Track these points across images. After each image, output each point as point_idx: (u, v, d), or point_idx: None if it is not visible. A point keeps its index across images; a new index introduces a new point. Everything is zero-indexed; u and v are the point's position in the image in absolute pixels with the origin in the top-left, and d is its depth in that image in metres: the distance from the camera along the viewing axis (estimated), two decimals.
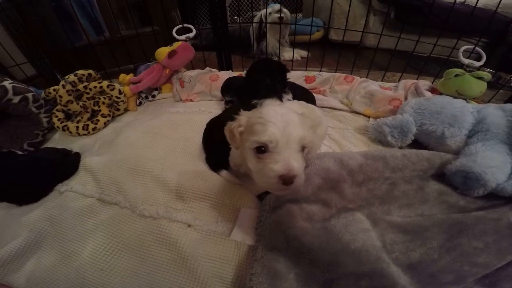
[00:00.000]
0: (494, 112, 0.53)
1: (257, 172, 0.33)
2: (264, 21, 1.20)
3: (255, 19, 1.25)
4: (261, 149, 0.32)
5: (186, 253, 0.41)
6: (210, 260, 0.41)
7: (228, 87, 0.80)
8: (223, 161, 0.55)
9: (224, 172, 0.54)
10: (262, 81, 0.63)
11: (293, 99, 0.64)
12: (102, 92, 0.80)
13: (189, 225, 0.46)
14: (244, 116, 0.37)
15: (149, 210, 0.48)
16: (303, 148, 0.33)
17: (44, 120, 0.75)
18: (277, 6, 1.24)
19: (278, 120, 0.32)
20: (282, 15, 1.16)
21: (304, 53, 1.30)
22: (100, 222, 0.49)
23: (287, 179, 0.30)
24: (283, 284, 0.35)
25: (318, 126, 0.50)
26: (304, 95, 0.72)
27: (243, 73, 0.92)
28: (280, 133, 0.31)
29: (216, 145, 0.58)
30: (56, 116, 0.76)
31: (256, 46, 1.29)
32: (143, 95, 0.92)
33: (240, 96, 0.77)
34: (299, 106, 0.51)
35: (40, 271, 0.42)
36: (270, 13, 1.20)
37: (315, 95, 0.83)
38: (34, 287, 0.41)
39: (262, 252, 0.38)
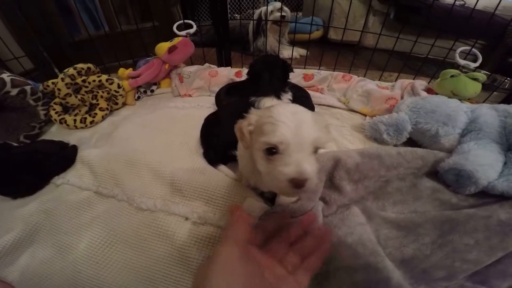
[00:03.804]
0: (487, 112, 0.54)
1: (266, 175, 0.31)
2: (263, 18, 1.20)
3: (255, 16, 1.25)
4: (272, 151, 0.30)
5: (183, 246, 0.41)
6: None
7: (216, 99, 0.79)
8: (221, 156, 0.56)
9: (222, 167, 0.54)
10: (262, 77, 0.63)
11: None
12: (100, 86, 0.80)
13: (187, 218, 0.46)
14: (254, 115, 0.35)
15: (146, 203, 0.48)
16: (316, 150, 0.31)
17: (42, 112, 0.74)
18: (278, 4, 1.24)
19: (289, 120, 0.30)
20: (284, 13, 1.16)
21: (303, 51, 1.30)
22: (96, 215, 0.48)
23: (298, 183, 0.28)
24: None
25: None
26: (299, 93, 0.72)
27: (242, 70, 0.93)
28: (292, 134, 0.29)
29: (213, 140, 0.59)
30: (54, 109, 0.75)
31: (254, 43, 1.29)
32: (142, 90, 0.92)
33: (230, 95, 0.77)
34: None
35: (35, 265, 0.42)
36: (271, 11, 1.20)
37: (312, 92, 0.83)
38: (28, 281, 0.40)
39: None
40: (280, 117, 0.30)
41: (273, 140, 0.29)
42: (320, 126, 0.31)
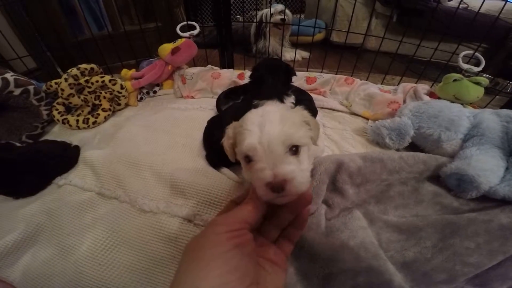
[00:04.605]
0: (490, 117, 0.54)
1: (251, 179, 0.31)
2: (264, 21, 1.21)
3: (256, 19, 1.26)
4: (249, 158, 0.30)
5: None
6: None
7: (217, 103, 0.79)
8: (223, 158, 0.56)
9: (224, 169, 0.54)
10: (265, 81, 0.63)
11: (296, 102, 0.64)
12: (103, 86, 0.80)
13: (189, 221, 0.46)
14: (230, 128, 0.36)
15: (149, 204, 0.48)
16: (296, 148, 0.29)
17: (44, 112, 0.75)
18: (279, 7, 1.25)
19: (255, 125, 0.29)
20: (285, 17, 1.17)
21: (305, 54, 1.31)
22: (99, 216, 0.48)
23: (275, 186, 0.26)
24: None
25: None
26: (302, 96, 0.73)
27: (245, 72, 0.93)
28: (258, 139, 0.28)
29: (216, 143, 0.59)
30: (57, 109, 0.76)
31: (255, 45, 1.29)
32: (144, 91, 0.92)
33: (230, 99, 0.77)
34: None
35: (36, 265, 0.42)
36: (272, 14, 1.21)
37: (315, 95, 0.84)
38: (30, 281, 0.40)
39: None
40: (247, 125, 0.30)
41: (243, 149, 0.29)
42: (291, 122, 0.30)
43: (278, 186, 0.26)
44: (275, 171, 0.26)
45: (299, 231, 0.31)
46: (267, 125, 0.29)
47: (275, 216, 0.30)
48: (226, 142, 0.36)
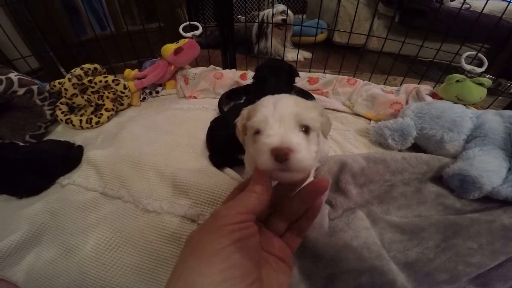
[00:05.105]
0: (493, 118, 0.54)
1: (255, 153, 0.30)
2: (266, 21, 1.21)
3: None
4: (258, 131, 0.30)
5: None
6: None
7: (219, 104, 0.79)
8: (227, 159, 0.56)
9: (228, 170, 0.55)
10: (267, 81, 0.64)
11: None
12: (106, 86, 0.81)
13: (193, 221, 0.46)
14: (246, 110, 0.37)
15: (152, 204, 0.49)
16: (306, 129, 0.30)
17: (48, 112, 0.75)
18: (280, 7, 1.25)
19: (270, 103, 0.31)
20: (286, 17, 1.17)
21: (307, 54, 1.30)
22: (102, 216, 0.48)
23: (279, 153, 0.25)
24: None
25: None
26: (305, 97, 0.73)
27: (247, 72, 0.93)
28: (270, 112, 0.29)
29: (219, 143, 0.59)
30: (60, 109, 0.76)
31: (257, 46, 1.30)
32: (147, 91, 0.92)
33: (232, 99, 0.77)
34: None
35: (40, 265, 0.42)
36: (274, 14, 1.21)
37: (317, 96, 0.84)
38: (34, 281, 0.41)
39: None
40: (262, 103, 0.31)
41: (255, 120, 0.30)
42: (305, 105, 0.31)
43: (282, 153, 0.25)
44: (282, 138, 0.26)
45: (310, 222, 0.30)
46: (281, 102, 0.30)
47: (285, 207, 0.30)
48: (239, 122, 0.36)
